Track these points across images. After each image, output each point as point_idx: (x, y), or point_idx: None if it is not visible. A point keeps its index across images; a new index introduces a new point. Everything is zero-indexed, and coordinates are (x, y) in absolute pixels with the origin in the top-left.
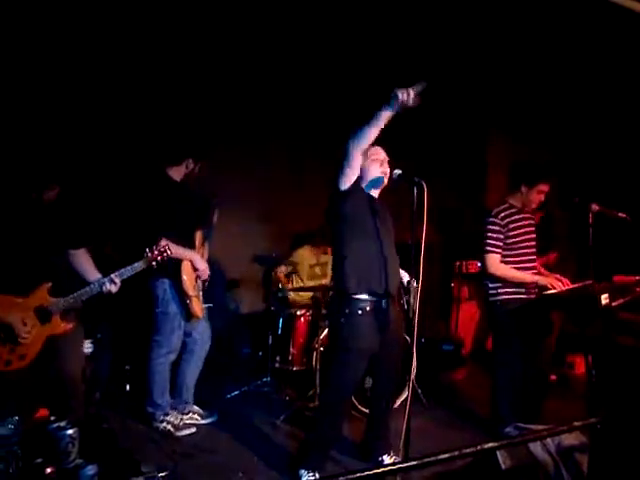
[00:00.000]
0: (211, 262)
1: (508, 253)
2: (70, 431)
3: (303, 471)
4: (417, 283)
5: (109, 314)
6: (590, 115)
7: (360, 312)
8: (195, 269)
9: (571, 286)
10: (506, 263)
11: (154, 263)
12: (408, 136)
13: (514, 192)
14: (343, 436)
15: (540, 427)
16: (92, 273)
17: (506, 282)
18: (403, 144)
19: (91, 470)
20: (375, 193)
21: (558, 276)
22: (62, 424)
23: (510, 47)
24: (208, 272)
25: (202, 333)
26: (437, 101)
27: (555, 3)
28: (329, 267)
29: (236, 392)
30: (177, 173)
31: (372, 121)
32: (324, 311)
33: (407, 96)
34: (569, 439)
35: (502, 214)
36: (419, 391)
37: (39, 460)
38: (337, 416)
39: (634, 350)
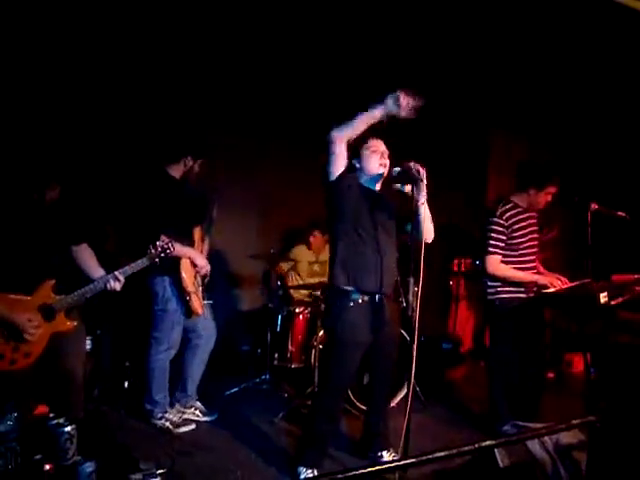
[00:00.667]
0: (210, 258)
1: (510, 253)
2: (69, 428)
3: (301, 468)
4: (417, 283)
5: (108, 311)
6: (590, 114)
7: (352, 304)
8: (194, 265)
9: (570, 285)
10: (507, 262)
11: (157, 260)
12: (408, 135)
13: (520, 192)
14: (342, 433)
15: (538, 425)
16: (96, 270)
17: (506, 281)
18: (403, 142)
19: (89, 467)
20: (376, 186)
21: (558, 275)
22: (61, 421)
23: (511, 47)
24: (208, 268)
25: (207, 328)
26: (438, 101)
27: (555, 2)
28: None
29: (235, 389)
30: (176, 171)
31: (360, 115)
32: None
33: (405, 101)
34: (567, 437)
35: (507, 214)
36: (418, 389)
37: (38, 456)
38: (331, 411)
39: (632, 348)
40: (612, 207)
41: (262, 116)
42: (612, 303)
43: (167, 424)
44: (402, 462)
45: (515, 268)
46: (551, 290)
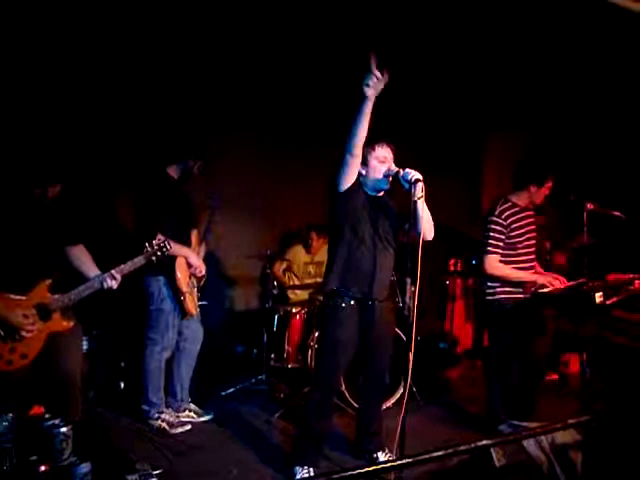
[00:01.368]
0: (206, 259)
1: (508, 252)
2: (64, 428)
3: (297, 468)
4: (414, 283)
5: (104, 312)
6: (586, 114)
7: (343, 305)
8: (189, 266)
9: (569, 284)
10: (506, 262)
11: (154, 258)
12: (405, 134)
13: (519, 191)
14: (338, 433)
15: (534, 425)
16: (91, 269)
17: (504, 281)
18: (399, 142)
19: (85, 468)
20: (379, 193)
21: (556, 275)
22: (56, 421)
23: (506, 47)
24: (203, 269)
25: (195, 331)
26: (433, 101)
27: (552, 3)
28: (324, 267)
29: (231, 389)
30: (175, 171)
31: (357, 118)
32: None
33: (374, 77)
34: (563, 437)
35: (506, 213)
36: (414, 389)
37: (33, 457)
38: (321, 407)
39: (627, 348)
40: (607, 206)
41: (261, 118)
42: (607, 303)
43: (163, 424)
44: (398, 462)
45: (513, 267)
46: (546, 290)
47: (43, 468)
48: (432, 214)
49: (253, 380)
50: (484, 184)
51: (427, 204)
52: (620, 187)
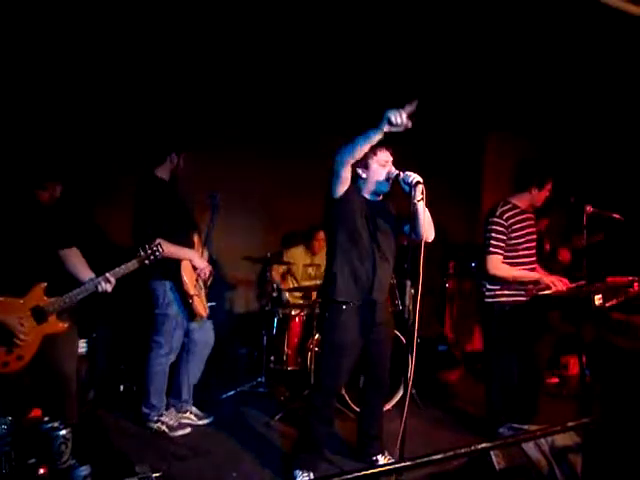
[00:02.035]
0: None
1: (510, 254)
2: (63, 431)
3: (297, 471)
4: (414, 285)
5: (105, 314)
6: (585, 116)
7: (344, 307)
8: (194, 268)
9: (570, 286)
10: (507, 264)
11: (147, 261)
12: (404, 136)
13: (520, 192)
14: (337, 436)
15: (534, 427)
16: (86, 272)
17: (506, 284)
18: (398, 144)
19: (84, 471)
20: (379, 197)
21: (559, 277)
22: (55, 424)
23: (507, 49)
24: (209, 270)
25: (206, 335)
26: (434, 103)
27: (551, 5)
28: (323, 269)
29: (231, 392)
30: (165, 172)
31: (360, 140)
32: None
33: (399, 118)
34: (563, 439)
35: (507, 214)
36: (414, 392)
37: (32, 460)
38: (324, 412)
39: (627, 350)
40: (607, 208)
41: (262, 119)
42: (607, 305)
43: (163, 427)
44: (398, 465)
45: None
46: (546, 292)
47: (42, 471)
48: (432, 216)
49: (253, 383)
50: (484, 186)
51: (427, 206)
52: (620, 189)
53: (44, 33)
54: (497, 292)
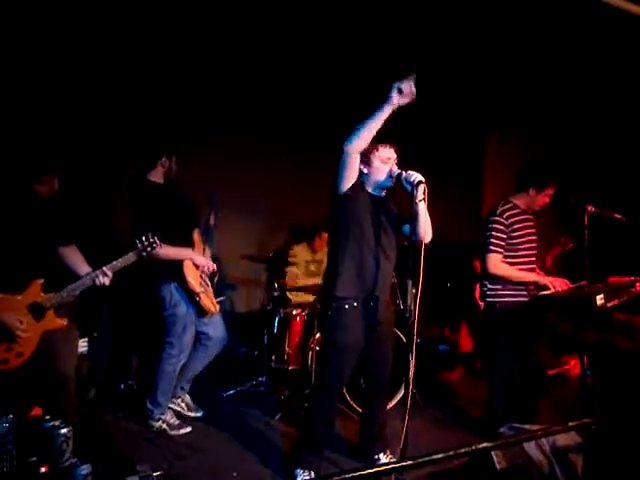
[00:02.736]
0: None
1: (510, 254)
2: (65, 430)
3: (298, 470)
4: (415, 285)
5: (105, 313)
6: (586, 116)
7: (346, 307)
8: (197, 266)
9: (571, 286)
10: (507, 264)
11: (144, 254)
12: (404, 136)
13: (520, 193)
14: (339, 436)
15: (535, 427)
16: (83, 267)
17: (506, 283)
18: (399, 143)
19: (85, 469)
20: (382, 193)
21: (560, 278)
22: (56, 423)
23: (508, 49)
24: (211, 266)
25: (220, 333)
26: (435, 102)
27: (553, 4)
28: (324, 266)
29: (232, 391)
30: (157, 175)
31: (370, 121)
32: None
33: (409, 88)
34: (564, 439)
35: (507, 214)
36: (415, 391)
37: (33, 459)
38: (326, 412)
39: (629, 351)
40: (608, 208)
41: (263, 118)
42: (608, 305)
43: (164, 426)
44: (399, 464)
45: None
46: (547, 292)
47: (43, 469)
48: (432, 215)
49: (254, 382)
50: (484, 186)
51: (428, 205)
52: (621, 189)
53: (41, 30)
54: (498, 292)
